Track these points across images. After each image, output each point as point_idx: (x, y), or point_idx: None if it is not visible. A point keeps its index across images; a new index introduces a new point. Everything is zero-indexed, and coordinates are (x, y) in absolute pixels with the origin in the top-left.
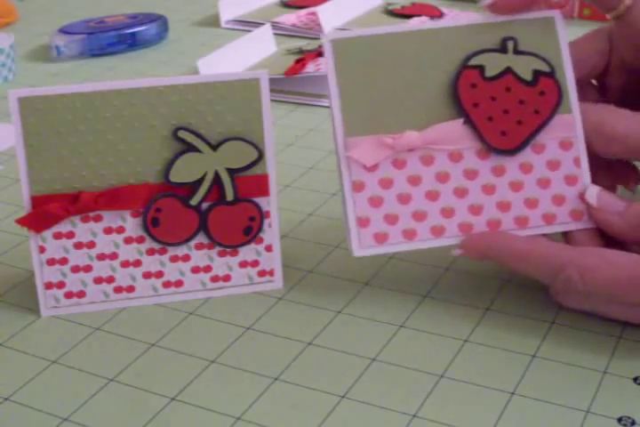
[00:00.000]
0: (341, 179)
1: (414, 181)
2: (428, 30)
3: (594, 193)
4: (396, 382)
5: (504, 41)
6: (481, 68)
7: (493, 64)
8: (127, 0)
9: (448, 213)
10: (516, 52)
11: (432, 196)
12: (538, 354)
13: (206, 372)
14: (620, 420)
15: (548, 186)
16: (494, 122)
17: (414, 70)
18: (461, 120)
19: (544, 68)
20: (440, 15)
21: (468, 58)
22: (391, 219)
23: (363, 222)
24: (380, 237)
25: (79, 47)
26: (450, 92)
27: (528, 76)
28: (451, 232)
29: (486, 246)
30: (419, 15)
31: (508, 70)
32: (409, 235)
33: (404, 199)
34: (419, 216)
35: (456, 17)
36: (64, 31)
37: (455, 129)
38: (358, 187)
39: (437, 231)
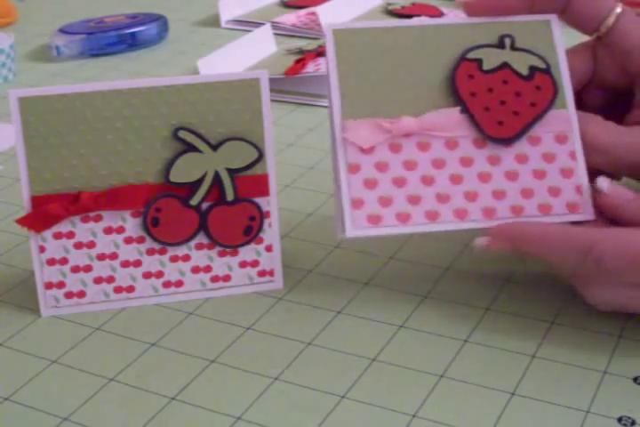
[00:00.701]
0: (336, 160)
1: (410, 165)
2: (428, 26)
3: (604, 182)
4: (396, 382)
5: (502, 38)
6: (479, 62)
7: (491, 58)
8: (127, 0)
9: (443, 198)
10: (513, 48)
11: (427, 181)
12: (538, 354)
13: (206, 372)
14: (620, 420)
15: (543, 177)
16: (491, 112)
17: (413, 60)
18: (458, 108)
19: (540, 64)
20: (440, 15)
21: (467, 51)
22: (385, 201)
23: (357, 204)
24: (374, 219)
25: (79, 47)
26: (447, 82)
27: (524, 71)
28: (446, 217)
29: (516, 234)
30: (419, 15)
31: (505, 65)
32: (403, 218)
33: (398, 182)
34: (413, 200)
35: (456, 17)
36: (64, 31)
37: (452, 117)
38: (353, 169)
39: (432, 216)
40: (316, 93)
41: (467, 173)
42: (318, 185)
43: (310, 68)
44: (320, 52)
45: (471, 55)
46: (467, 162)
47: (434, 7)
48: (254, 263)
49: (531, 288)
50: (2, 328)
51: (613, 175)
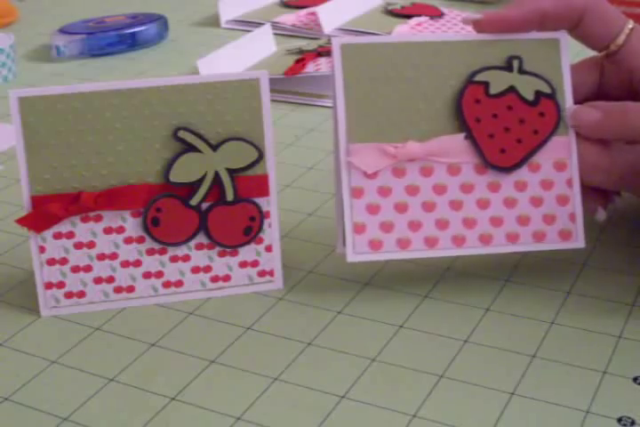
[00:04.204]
0: (339, 184)
1: (412, 190)
2: (436, 42)
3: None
4: (396, 382)
5: (510, 59)
6: (486, 85)
7: (498, 81)
8: (127, 0)
9: (443, 224)
10: (521, 71)
11: (428, 207)
12: (538, 354)
13: (206, 372)
14: (619, 420)
15: (540, 204)
16: (495, 139)
17: (420, 81)
18: (463, 134)
19: (546, 89)
20: (440, 15)
21: (474, 73)
22: (387, 227)
23: (359, 229)
24: (375, 245)
25: (79, 47)
26: (454, 105)
27: (530, 97)
28: (444, 244)
29: None
30: (419, 15)
31: (512, 89)
32: (403, 244)
33: (400, 208)
34: (414, 226)
35: (456, 17)
36: (64, 31)
37: (456, 143)
38: (357, 193)
39: (431, 242)
40: (316, 93)
41: (466, 200)
42: (318, 185)
43: (310, 68)
44: (320, 52)
45: (478, 78)
46: (467, 188)
47: (434, 7)
48: (254, 263)
49: (531, 288)
50: (2, 328)
51: (613, 192)
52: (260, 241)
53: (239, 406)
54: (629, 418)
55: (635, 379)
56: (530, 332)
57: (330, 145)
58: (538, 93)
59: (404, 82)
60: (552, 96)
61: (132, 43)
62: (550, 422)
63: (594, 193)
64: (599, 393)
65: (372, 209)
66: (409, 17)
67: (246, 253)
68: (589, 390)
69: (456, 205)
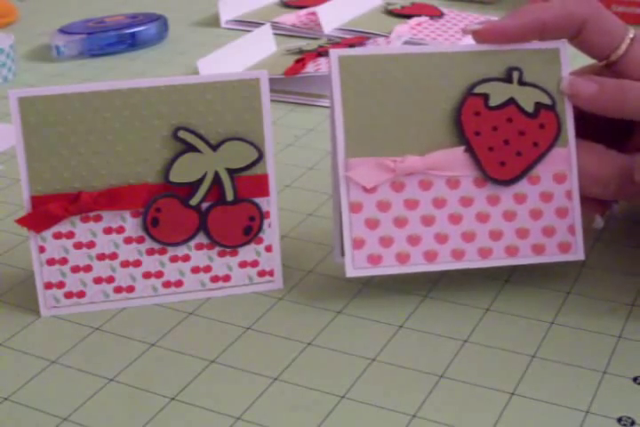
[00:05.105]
0: (338, 199)
1: (411, 204)
2: (435, 54)
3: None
4: (396, 382)
5: (509, 71)
6: (485, 97)
7: (498, 93)
8: (127, 0)
9: (442, 238)
10: (521, 82)
11: (427, 221)
12: (538, 354)
13: (206, 372)
14: (619, 420)
15: (539, 217)
16: (494, 152)
17: (419, 93)
18: (462, 148)
19: (546, 100)
20: (440, 15)
21: (474, 85)
22: (386, 242)
23: (358, 244)
24: (374, 260)
25: (79, 47)
26: (453, 118)
27: (530, 108)
28: (443, 258)
29: None
30: (418, 15)
31: (512, 101)
32: (402, 258)
33: (400, 223)
34: (413, 240)
35: (456, 17)
36: (64, 31)
37: (456, 156)
38: (356, 208)
39: (430, 257)
40: (316, 93)
41: (466, 213)
42: (318, 185)
43: (310, 68)
44: (320, 52)
45: (478, 90)
46: (466, 202)
47: (433, 7)
48: (254, 263)
49: (531, 288)
50: (2, 328)
51: (611, 201)
52: (260, 241)
53: (239, 406)
54: (629, 418)
55: (635, 379)
56: (530, 332)
57: (329, 145)
58: (538, 105)
59: (402, 94)
60: (552, 107)
61: (131, 43)
62: (550, 423)
63: (592, 201)
64: (599, 393)
65: (371, 224)
66: (409, 17)
67: (246, 253)
68: (589, 390)
69: (455, 219)
